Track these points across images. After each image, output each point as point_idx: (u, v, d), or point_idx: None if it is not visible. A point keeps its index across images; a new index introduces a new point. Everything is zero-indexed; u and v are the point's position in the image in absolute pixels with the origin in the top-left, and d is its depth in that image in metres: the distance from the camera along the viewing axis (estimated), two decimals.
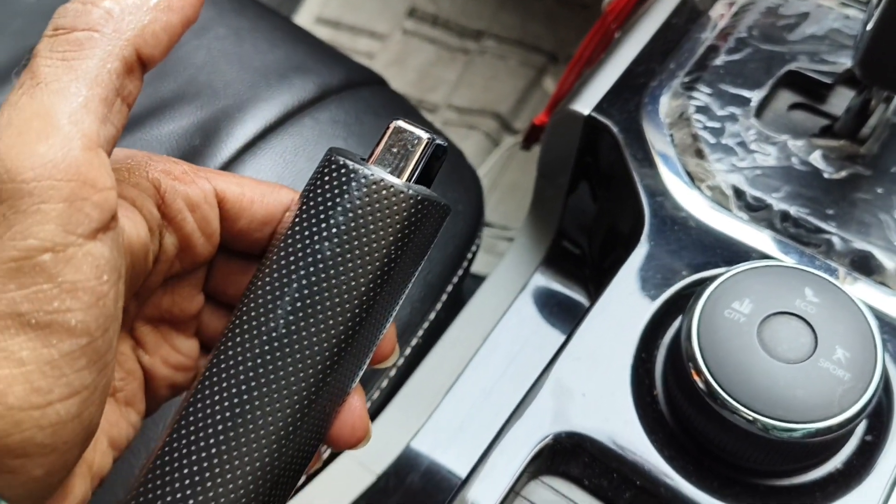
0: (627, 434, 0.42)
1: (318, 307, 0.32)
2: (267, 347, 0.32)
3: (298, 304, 0.32)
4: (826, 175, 0.49)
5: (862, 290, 0.46)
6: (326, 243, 0.32)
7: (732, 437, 0.39)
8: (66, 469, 0.29)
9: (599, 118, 0.53)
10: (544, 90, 1.22)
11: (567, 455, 0.42)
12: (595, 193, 0.58)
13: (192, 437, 0.31)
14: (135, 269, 0.31)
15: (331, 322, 0.32)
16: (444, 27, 1.29)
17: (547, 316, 0.60)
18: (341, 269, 0.32)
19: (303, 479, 0.36)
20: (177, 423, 0.32)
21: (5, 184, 0.26)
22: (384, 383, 0.60)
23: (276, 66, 0.66)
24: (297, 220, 0.33)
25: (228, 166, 0.62)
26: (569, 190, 0.59)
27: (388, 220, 0.32)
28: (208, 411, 0.31)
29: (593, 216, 0.59)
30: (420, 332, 0.61)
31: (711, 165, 0.50)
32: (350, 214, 0.32)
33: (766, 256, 0.47)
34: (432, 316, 0.63)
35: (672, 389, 0.42)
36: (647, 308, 0.45)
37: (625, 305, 0.46)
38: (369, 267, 0.32)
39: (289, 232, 0.33)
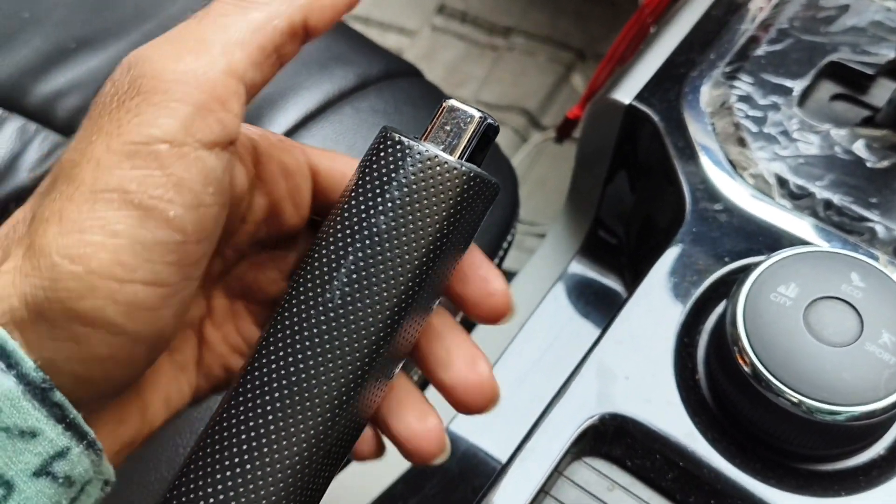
0: (671, 416, 0.42)
1: (374, 279, 0.32)
2: (323, 318, 0.32)
3: (354, 276, 0.32)
4: (869, 164, 0.49)
5: None
6: (382, 217, 0.32)
7: (777, 419, 0.40)
8: (132, 368, 0.29)
9: (640, 107, 0.53)
10: (573, 86, 1.23)
11: (610, 436, 0.43)
12: (633, 183, 0.58)
13: (250, 405, 0.32)
14: (230, 216, 0.32)
15: (385, 294, 0.32)
16: (472, 23, 1.30)
17: (583, 305, 0.60)
18: (396, 242, 0.32)
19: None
20: (234, 391, 0.33)
21: (147, 79, 0.28)
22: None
23: (318, 56, 0.67)
24: (353, 193, 0.33)
25: None
26: (607, 179, 0.59)
27: (442, 196, 0.33)
28: (265, 379, 0.32)
29: (631, 206, 0.59)
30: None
31: (754, 154, 0.50)
32: (405, 189, 0.32)
33: (809, 244, 0.47)
34: None
35: (715, 373, 0.42)
36: (689, 293, 0.46)
37: (667, 291, 0.46)
38: (423, 241, 0.33)
39: (345, 205, 0.33)
